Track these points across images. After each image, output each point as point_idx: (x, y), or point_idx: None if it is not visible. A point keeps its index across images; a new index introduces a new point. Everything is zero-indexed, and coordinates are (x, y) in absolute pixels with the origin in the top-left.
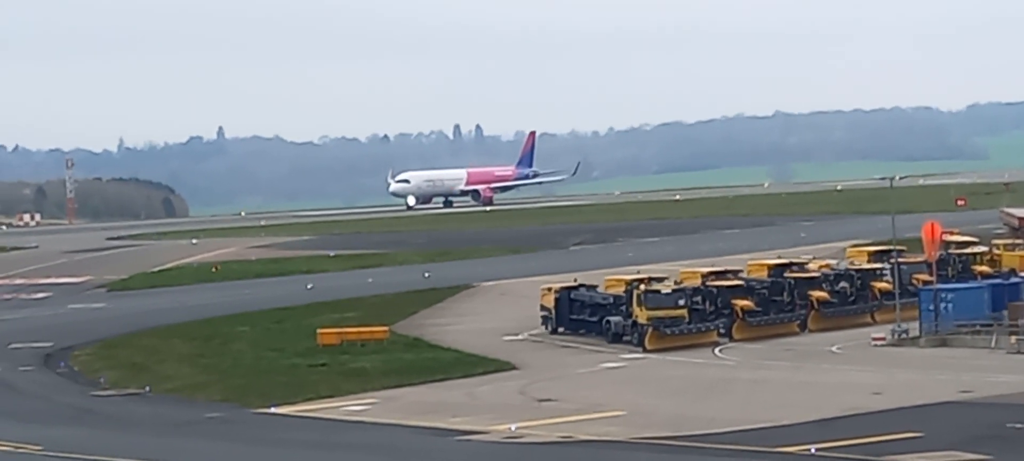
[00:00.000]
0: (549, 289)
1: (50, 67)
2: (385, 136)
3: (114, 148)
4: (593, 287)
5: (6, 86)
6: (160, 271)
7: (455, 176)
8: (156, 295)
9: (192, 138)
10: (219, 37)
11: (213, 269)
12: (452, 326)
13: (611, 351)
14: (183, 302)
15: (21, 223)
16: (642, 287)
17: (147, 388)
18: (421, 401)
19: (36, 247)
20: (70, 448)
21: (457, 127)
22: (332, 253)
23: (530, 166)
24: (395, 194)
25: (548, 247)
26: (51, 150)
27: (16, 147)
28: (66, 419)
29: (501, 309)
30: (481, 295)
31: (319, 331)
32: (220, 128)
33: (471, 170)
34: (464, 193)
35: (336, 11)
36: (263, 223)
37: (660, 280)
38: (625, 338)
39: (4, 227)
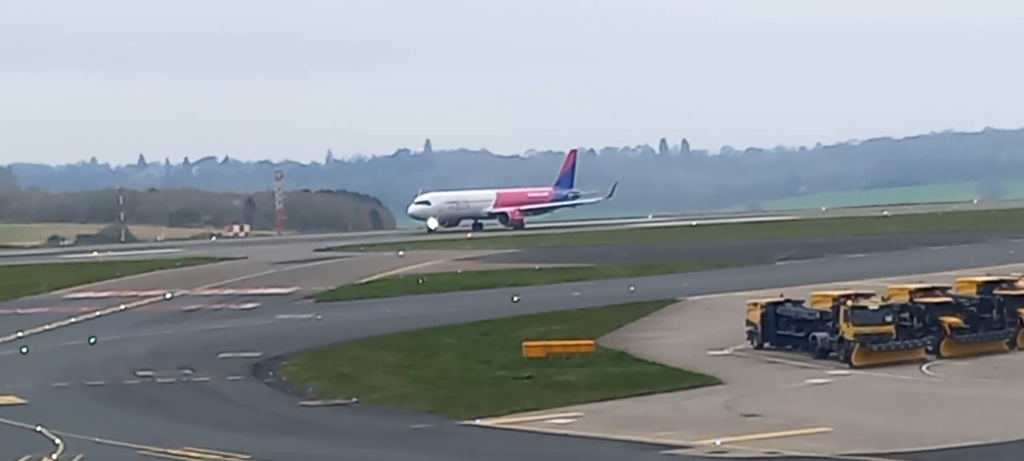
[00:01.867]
0: (755, 304)
1: (258, 80)
2: (591, 150)
3: (322, 160)
4: (799, 302)
5: (217, 99)
6: (367, 282)
7: (483, 197)
8: (363, 306)
9: (400, 150)
10: (425, 53)
11: (419, 281)
12: (657, 340)
13: (817, 367)
14: (390, 313)
15: (231, 234)
16: (849, 303)
17: (354, 398)
18: (626, 415)
19: (245, 258)
20: (278, 457)
21: (663, 141)
22: (537, 266)
23: (570, 186)
24: (414, 216)
25: (754, 262)
26: (260, 162)
27: (226, 159)
28: (274, 428)
29: (707, 323)
30: (687, 309)
31: (525, 344)
32: (427, 140)
33: (502, 191)
34: (492, 215)
35: (537, 17)
36: (469, 236)
37: (867, 296)
38: (831, 354)
39: (214, 238)
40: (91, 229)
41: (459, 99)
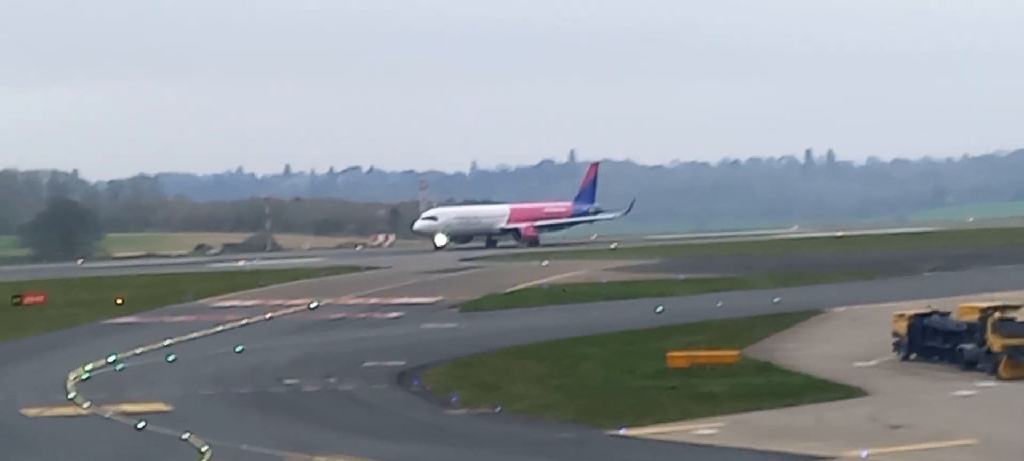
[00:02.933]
0: (901, 315)
1: (403, 91)
2: (736, 160)
3: (467, 170)
4: (946, 314)
5: (363, 109)
6: (511, 292)
7: (496, 212)
8: (507, 316)
9: (544, 161)
10: (569, 64)
11: (563, 291)
12: (802, 351)
13: (964, 379)
14: (533, 323)
15: (375, 243)
16: (997, 314)
17: (498, 407)
18: (770, 425)
19: (390, 267)
20: None
21: (808, 152)
22: (682, 276)
23: (591, 201)
24: (419, 232)
25: (900, 273)
26: (405, 172)
27: (371, 168)
28: (418, 437)
29: (852, 334)
30: (832, 320)
31: (669, 354)
32: (572, 151)
33: (516, 206)
34: (505, 231)
35: (686, 30)
36: (613, 246)
37: (1015, 308)
38: (978, 366)
39: (359, 247)
40: (237, 238)
41: (603, 110)
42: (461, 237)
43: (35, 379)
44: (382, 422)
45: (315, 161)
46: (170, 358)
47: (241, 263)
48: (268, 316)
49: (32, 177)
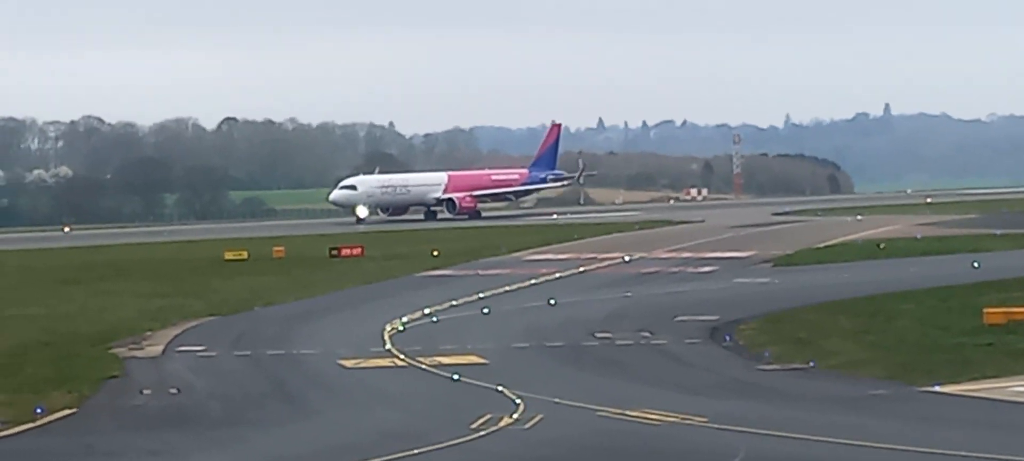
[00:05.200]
0: None
1: (717, 44)
2: None
3: (780, 124)
4: None
5: (677, 63)
6: (825, 247)
7: (431, 181)
8: (820, 271)
9: (858, 114)
10: (887, 12)
11: (879, 246)
12: None
13: None
14: (847, 278)
15: (688, 197)
16: None
17: (811, 363)
18: None
19: (702, 221)
20: (734, 421)
21: None
22: (999, 232)
23: (551, 167)
24: (336, 203)
25: None
26: (718, 125)
27: (684, 122)
28: (730, 392)
29: None
30: None
31: (985, 310)
32: (886, 104)
33: (455, 173)
34: (440, 202)
35: None
36: (928, 201)
37: None
38: None
39: (672, 201)
40: (549, 192)
41: (921, 61)
42: (392, 208)
43: (352, 331)
44: (694, 377)
45: (628, 114)
46: (484, 311)
47: (554, 217)
48: (581, 269)
49: (349, 130)
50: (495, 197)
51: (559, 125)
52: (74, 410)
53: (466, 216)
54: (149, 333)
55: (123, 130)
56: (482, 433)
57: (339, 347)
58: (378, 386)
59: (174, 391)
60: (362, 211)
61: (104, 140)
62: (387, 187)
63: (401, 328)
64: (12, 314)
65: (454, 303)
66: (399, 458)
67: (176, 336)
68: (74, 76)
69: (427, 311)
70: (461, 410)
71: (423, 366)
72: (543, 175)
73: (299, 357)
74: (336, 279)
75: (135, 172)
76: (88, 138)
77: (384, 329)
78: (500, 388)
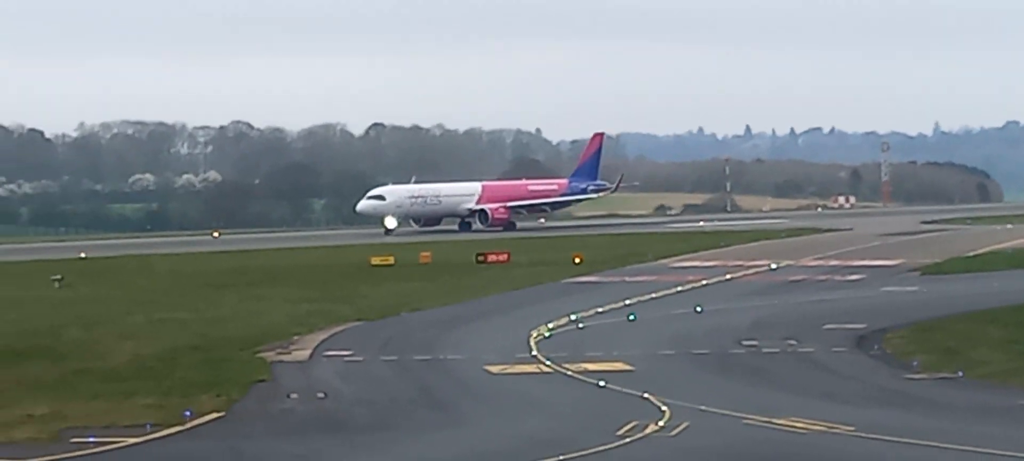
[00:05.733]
0: None
1: (863, 52)
2: None
3: (929, 131)
4: None
5: (824, 71)
6: (974, 256)
7: (463, 191)
8: (970, 280)
9: (1008, 123)
10: None
11: None
12: None
13: None
14: (997, 287)
15: (836, 205)
16: None
17: (959, 373)
18: None
19: (850, 229)
20: (882, 430)
21: None
22: None
23: (593, 177)
24: (363, 213)
25: None
26: (866, 133)
27: (832, 129)
28: (877, 401)
29: None
30: None
31: None
32: None
33: (489, 183)
34: (473, 213)
35: None
36: None
37: None
38: None
39: (819, 208)
40: (697, 199)
41: None
42: (423, 219)
43: (498, 337)
44: (841, 386)
45: (776, 122)
46: (630, 318)
47: (701, 224)
48: (727, 277)
49: (496, 136)
50: (531, 208)
51: (602, 134)
52: (222, 414)
53: (502, 227)
54: (297, 337)
55: (271, 135)
56: (628, 440)
57: (485, 353)
58: (524, 392)
59: (321, 396)
60: (391, 222)
61: (253, 145)
62: (417, 198)
63: (547, 334)
64: (162, 318)
65: (600, 310)
66: None
67: (323, 341)
68: (224, 82)
69: (573, 317)
70: (607, 417)
71: (569, 372)
72: (584, 185)
73: (446, 362)
74: (483, 285)
75: (283, 177)
76: (237, 143)
77: (530, 335)
78: (646, 395)
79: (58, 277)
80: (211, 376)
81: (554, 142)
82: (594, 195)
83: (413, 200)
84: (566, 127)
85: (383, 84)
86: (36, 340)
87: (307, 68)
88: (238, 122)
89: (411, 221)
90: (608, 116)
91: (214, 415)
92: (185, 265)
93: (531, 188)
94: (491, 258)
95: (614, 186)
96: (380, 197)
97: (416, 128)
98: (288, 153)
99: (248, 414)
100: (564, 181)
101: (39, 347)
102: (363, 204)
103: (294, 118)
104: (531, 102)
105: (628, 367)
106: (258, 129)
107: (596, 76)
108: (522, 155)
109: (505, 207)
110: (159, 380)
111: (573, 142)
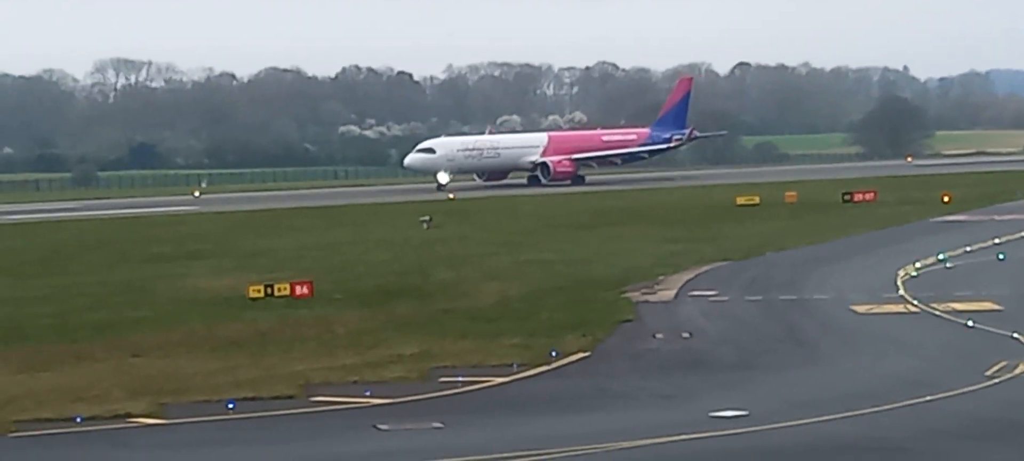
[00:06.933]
0: None
1: None
2: None
3: None
4: None
5: None
6: None
7: (526, 142)
8: None
9: None
10: None
11: None
12: None
13: None
14: None
15: None
16: None
17: None
18: None
19: None
20: None
21: None
22: None
23: (681, 127)
24: (410, 168)
25: None
26: None
27: None
28: None
29: None
30: None
31: None
32: None
33: (557, 134)
34: (536, 166)
35: None
36: None
37: None
38: None
39: None
40: None
41: None
42: (487, 173)
43: (864, 276)
44: None
45: None
46: (999, 256)
47: None
48: None
49: (863, 74)
50: (601, 160)
51: (690, 79)
52: (588, 353)
53: (569, 181)
54: (661, 278)
55: (637, 75)
56: (997, 380)
57: (851, 292)
58: (891, 332)
59: (686, 336)
60: (443, 177)
61: (618, 86)
62: (471, 151)
63: (915, 274)
64: (528, 258)
65: (968, 249)
66: (912, 404)
67: (688, 281)
68: (590, 23)
69: (941, 257)
70: (975, 357)
71: (937, 312)
72: (667, 135)
73: (811, 302)
74: (848, 224)
75: (646, 118)
76: (603, 84)
77: (897, 275)
78: (1015, 335)
79: (427, 218)
80: (576, 316)
81: (922, 79)
82: (676, 145)
83: (468, 153)
84: (937, 65)
85: (748, 22)
86: (405, 280)
87: (672, 7)
88: (603, 62)
89: (474, 176)
90: (981, 52)
91: (580, 355)
92: (549, 206)
93: (605, 138)
94: (858, 197)
95: (687, 137)
96: (430, 150)
97: (781, 67)
98: (653, 93)
99: (614, 353)
100: (644, 130)
101: (408, 287)
102: (411, 158)
103: (659, 58)
104: (900, 39)
105: (997, 306)
106: (623, 70)
107: (968, 9)
108: (888, 93)
109: (570, 159)
110: (525, 321)
111: (941, 79)
